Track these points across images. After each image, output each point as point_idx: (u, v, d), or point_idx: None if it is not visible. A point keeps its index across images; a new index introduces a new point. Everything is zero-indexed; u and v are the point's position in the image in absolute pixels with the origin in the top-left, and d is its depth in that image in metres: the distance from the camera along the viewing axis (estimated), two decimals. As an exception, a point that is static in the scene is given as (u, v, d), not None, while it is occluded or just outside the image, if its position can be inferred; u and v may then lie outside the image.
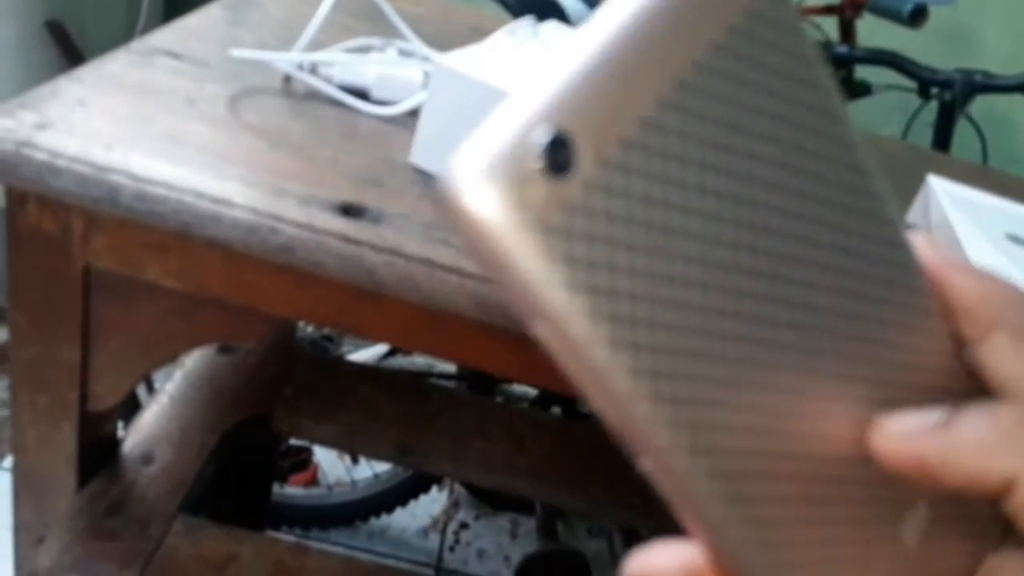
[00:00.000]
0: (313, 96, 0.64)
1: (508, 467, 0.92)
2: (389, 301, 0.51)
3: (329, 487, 1.51)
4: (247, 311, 0.56)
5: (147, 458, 0.73)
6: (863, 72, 1.40)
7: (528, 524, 1.58)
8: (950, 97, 1.28)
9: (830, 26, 1.52)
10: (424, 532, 1.56)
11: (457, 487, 1.61)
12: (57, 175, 0.48)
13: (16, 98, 0.52)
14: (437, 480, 1.50)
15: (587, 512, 1.38)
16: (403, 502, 1.45)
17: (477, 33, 0.69)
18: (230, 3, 0.76)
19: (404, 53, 0.71)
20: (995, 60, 1.55)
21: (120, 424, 0.77)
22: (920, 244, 0.22)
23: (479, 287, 0.49)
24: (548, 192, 0.15)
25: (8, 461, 1.41)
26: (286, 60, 0.64)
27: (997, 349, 0.21)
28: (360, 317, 0.55)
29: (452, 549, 1.54)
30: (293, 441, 1.47)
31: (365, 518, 1.48)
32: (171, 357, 0.63)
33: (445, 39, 0.74)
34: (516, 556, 1.51)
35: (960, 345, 0.22)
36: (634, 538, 1.30)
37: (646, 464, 0.17)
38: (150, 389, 1.28)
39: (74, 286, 0.56)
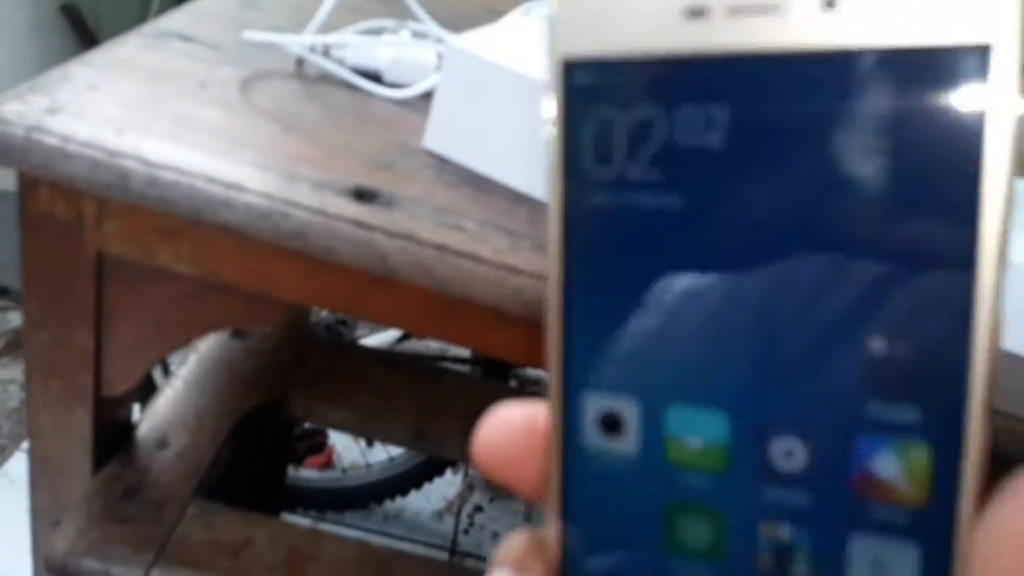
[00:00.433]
0: (326, 79, 0.64)
1: (522, 452, 0.92)
2: (402, 286, 0.50)
3: (344, 470, 1.51)
4: (260, 296, 0.56)
5: (162, 442, 0.73)
6: None
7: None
8: None
9: None
10: (439, 515, 1.57)
11: (471, 470, 1.61)
12: (68, 160, 0.48)
13: (27, 82, 0.51)
14: (451, 463, 1.50)
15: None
16: (417, 485, 1.45)
17: (492, 14, 0.68)
18: (242, -15, 0.75)
19: (418, 35, 0.70)
20: None
21: (138, 407, 0.78)
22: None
23: (492, 272, 0.49)
24: None
25: (25, 444, 1.43)
26: (299, 43, 0.63)
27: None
28: (373, 302, 0.55)
29: (467, 532, 1.55)
30: (308, 424, 1.47)
31: (380, 501, 1.48)
32: (184, 342, 0.63)
33: (459, 20, 0.73)
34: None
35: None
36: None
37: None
38: (166, 372, 1.29)
39: (87, 271, 0.55)
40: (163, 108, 0.54)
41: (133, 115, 0.52)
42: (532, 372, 1.52)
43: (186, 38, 0.63)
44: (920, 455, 0.17)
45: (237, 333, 0.90)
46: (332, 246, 0.49)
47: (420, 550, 1.46)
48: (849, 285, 0.17)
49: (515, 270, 0.49)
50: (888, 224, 0.17)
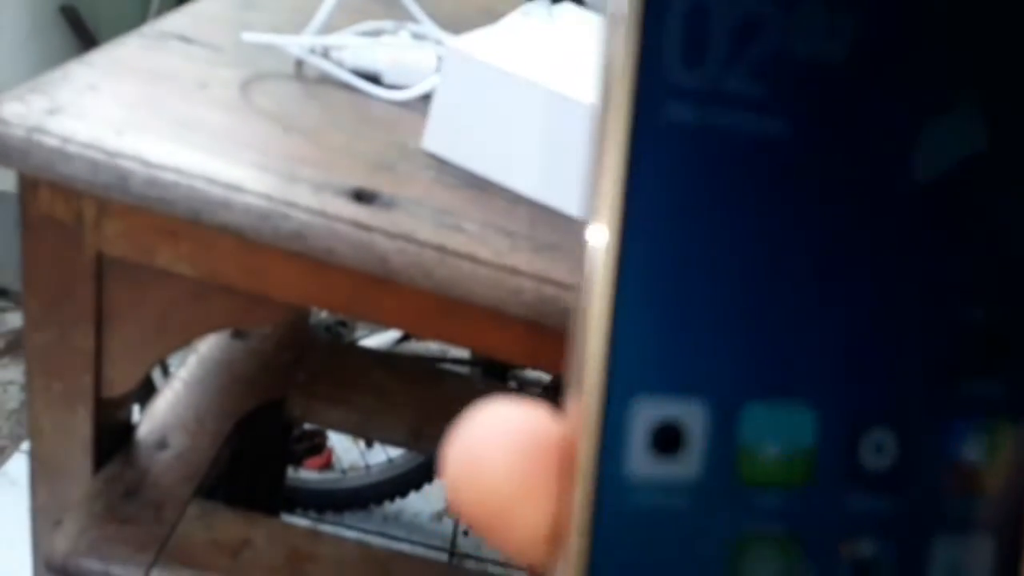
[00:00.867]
0: (325, 80, 0.64)
1: (522, 453, 0.92)
2: (401, 287, 0.50)
3: (343, 471, 1.51)
4: (259, 297, 0.56)
5: (162, 443, 0.73)
6: None
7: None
8: None
9: None
10: (438, 516, 1.56)
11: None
12: (68, 161, 0.48)
13: (27, 83, 0.52)
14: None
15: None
16: (417, 486, 1.45)
17: (491, 15, 0.68)
18: (242, -13, 0.75)
19: (417, 36, 0.70)
20: None
21: (137, 408, 0.78)
22: None
23: (491, 273, 0.49)
24: None
25: (26, 445, 1.43)
26: (298, 44, 0.63)
27: None
28: (372, 303, 0.55)
29: (466, 533, 1.55)
30: (308, 425, 1.47)
31: (379, 502, 1.48)
32: (184, 343, 0.63)
33: (459, 21, 0.73)
34: None
35: None
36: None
37: None
38: (166, 373, 1.29)
39: (87, 272, 0.56)
40: (163, 109, 0.54)
41: (133, 116, 0.52)
42: (532, 374, 1.52)
43: (186, 39, 0.63)
44: (1006, 434, 0.14)
45: (237, 334, 0.90)
46: (332, 247, 0.49)
47: (419, 551, 1.46)
48: (943, 250, 0.14)
49: (514, 271, 0.49)
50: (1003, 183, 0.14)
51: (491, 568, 1.45)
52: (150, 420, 0.76)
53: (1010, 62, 0.14)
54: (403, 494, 1.46)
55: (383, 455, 1.48)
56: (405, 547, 1.48)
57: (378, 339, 1.53)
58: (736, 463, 0.14)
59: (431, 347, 1.52)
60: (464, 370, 1.49)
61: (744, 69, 0.14)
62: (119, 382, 0.61)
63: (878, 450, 0.14)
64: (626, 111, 0.13)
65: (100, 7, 1.67)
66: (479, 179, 0.56)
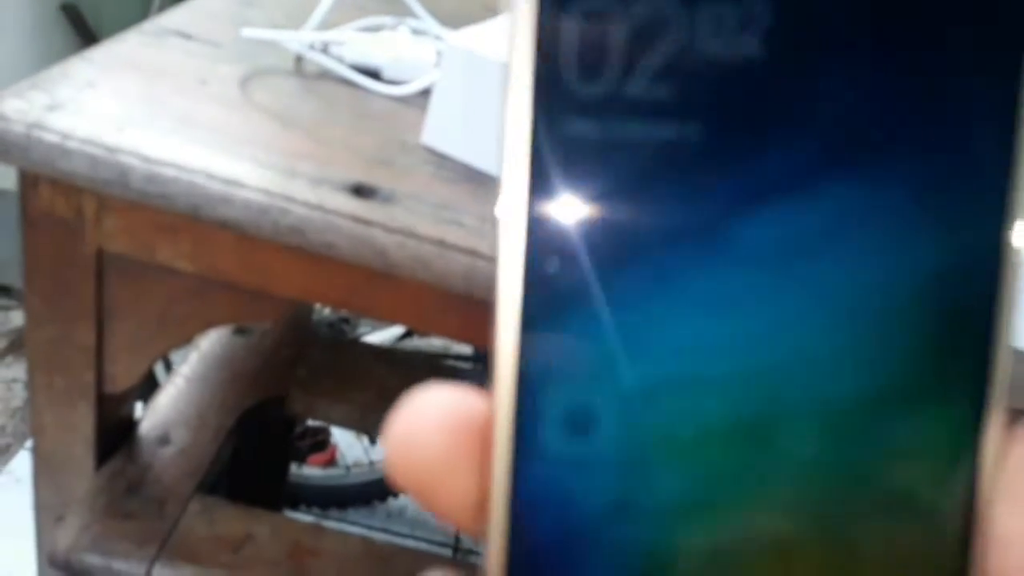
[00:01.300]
0: (325, 76, 0.64)
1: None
2: (401, 282, 0.50)
3: (347, 467, 1.52)
4: (260, 292, 0.56)
5: (164, 439, 0.73)
6: None
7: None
8: None
9: None
10: (441, 512, 1.57)
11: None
12: (68, 157, 0.48)
13: (27, 79, 0.52)
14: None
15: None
16: (420, 483, 1.45)
17: (490, 11, 0.68)
18: (242, -17, 0.76)
19: (417, 32, 0.70)
20: None
21: (140, 404, 0.78)
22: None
23: (491, 267, 0.49)
24: None
25: (30, 443, 1.43)
26: (298, 40, 0.63)
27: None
28: (372, 298, 0.55)
29: (469, 529, 1.55)
30: (311, 422, 1.47)
31: (383, 498, 1.49)
32: (185, 339, 0.63)
33: (458, 17, 0.73)
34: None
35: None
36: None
37: None
38: (168, 369, 1.29)
39: (88, 268, 0.56)
40: (163, 105, 0.54)
41: (133, 112, 0.52)
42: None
43: (185, 35, 0.63)
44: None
45: (239, 330, 0.90)
46: (331, 242, 0.49)
47: (423, 547, 1.46)
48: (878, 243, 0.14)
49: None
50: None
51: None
52: (152, 416, 0.76)
53: (923, 53, 0.14)
54: (406, 490, 1.46)
55: (386, 451, 1.48)
56: (409, 543, 1.48)
57: (380, 336, 1.53)
58: (648, 443, 0.14)
59: (433, 343, 1.52)
60: (467, 366, 1.49)
61: (644, 74, 0.14)
62: (121, 378, 0.61)
63: (799, 439, 0.14)
64: (524, 125, 0.14)
65: (101, 5, 1.67)
66: (478, 173, 0.56)
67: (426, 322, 0.58)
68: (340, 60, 0.64)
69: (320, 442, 1.54)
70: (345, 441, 1.56)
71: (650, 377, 0.14)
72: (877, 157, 0.14)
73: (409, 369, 0.99)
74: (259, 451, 0.96)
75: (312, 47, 0.64)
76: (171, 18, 0.65)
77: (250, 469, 0.90)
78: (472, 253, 0.49)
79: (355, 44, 0.65)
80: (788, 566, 0.15)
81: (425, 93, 0.62)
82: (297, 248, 0.50)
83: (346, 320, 1.48)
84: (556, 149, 0.14)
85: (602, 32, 0.14)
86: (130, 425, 0.72)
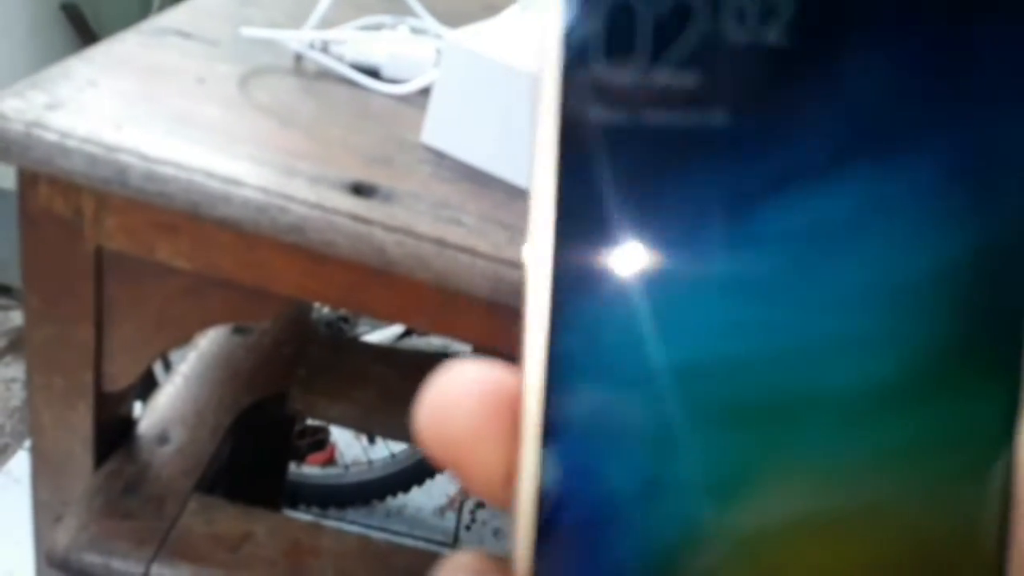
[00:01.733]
0: (324, 75, 0.64)
1: (523, 447, 0.92)
2: (400, 280, 0.50)
3: (346, 467, 1.52)
4: (259, 291, 0.56)
5: (163, 438, 0.73)
6: None
7: (544, 504, 1.58)
8: None
9: None
10: (440, 511, 1.57)
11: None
12: (67, 155, 0.48)
13: (26, 79, 0.52)
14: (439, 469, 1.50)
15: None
16: (419, 481, 1.45)
17: (489, 10, 0.68)
18: (241, -18, 0.75)
19: (416, 31, 0.70)
20: None
21: (140, 404, 0.78)
22: None
23: (491, 266, 0.49)
24: None
25: (29, 443, 1.43)
26: (297, 39, 0.63)
27: None
28: (372, 297, 0.55)
29: (468, 528, 1.55)
30: (310, 421, 1.47)
31: (382, 497, 1.49)
32: (184, 337, 0.63)
33: (458, 16, 0.73)
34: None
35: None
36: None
37: None
38: (167, 368, 1.29)
39: (86, 267, 0.56)
40: (162, 104, 0.54)
41: (132, 111, 0.52)
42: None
43: (184, 34, 0.63)
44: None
45: (238, 329, 0.90)
46: (330, 240, 0.49)
47: (422, 546, 1.46)
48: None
49: (514, 264, 0.49)
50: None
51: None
52: (151, 415, 0.76)
53: (949, 46, 0.14)
54: (405, 489, 1.46)
55: (385, 450, 1.48)
56: (408, 542, 1.48)
57: (379, 335, 1.53)
58: (680, 421, 0.14)
59: (433, 343, 1.52)
60: (466, 366, 1.49)
61: (674, 60, 0.14)
62: (119, 377, 0.61)
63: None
64: (554, 113, 0.14)
65: (101, 5, 1.67)
66: (478, 172, 0.56)
67: (425, 321, 0.58)
68: (339, 59, 0.64)
69: (319, 441, 1.54)
70: (344, 440, 1.56)
71: (683, 354, 0.14)
72: (910, 140, 0.14)
73: (408, 368, 0.99)
74: (258, 450, 0.96)
75: (311, 46, 0.64)
76: (170, 17, 0.65)
77: (249, 468, 0.90)
78: (471, 252, 0.49)
79: (354, 43, 0.65)
80: (821, 548, 0.15)
81: (424, 92, 0.62)
82: (296, 247, 0.50)
83: (345, 319, 1.48)
84: (587, 134, 0.14)
85: (629, 24, 0.14)
86: (129, 424, 0.72)
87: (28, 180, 0.53)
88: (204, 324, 0.63)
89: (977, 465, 0.14)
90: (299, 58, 0.65)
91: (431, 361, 1.28)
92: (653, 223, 0.14)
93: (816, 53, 0.14)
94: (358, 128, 0.58)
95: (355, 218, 0.49)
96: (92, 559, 0.63)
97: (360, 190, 0.51)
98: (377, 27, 0.70)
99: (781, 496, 0.14)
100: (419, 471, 1.44)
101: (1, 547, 1.11)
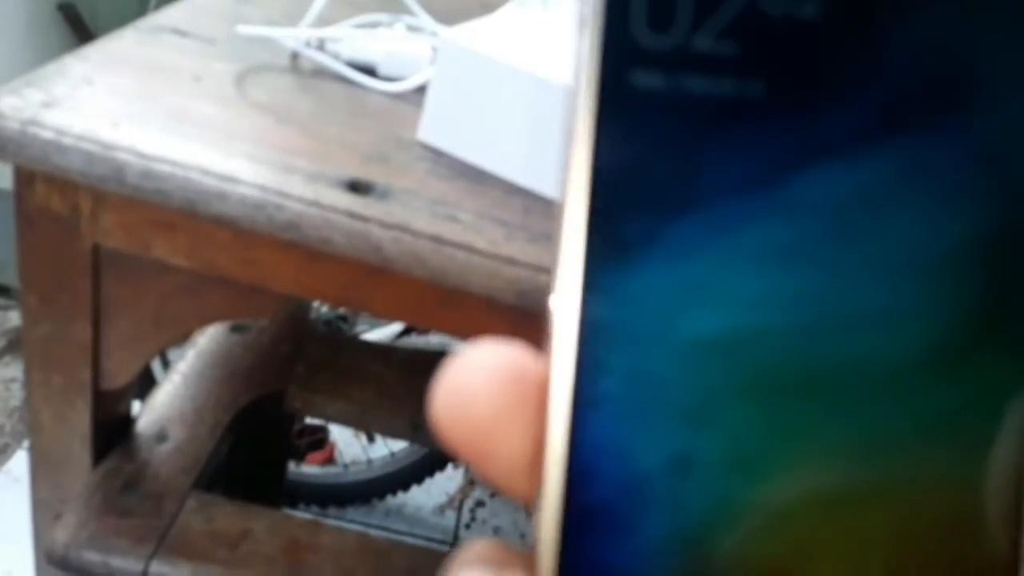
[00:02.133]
0: (320, 73, 0.64)
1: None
2: (397, 278, 0.51)
3: (345, 466, 1.52)
4: (256, 289, 0.56)
5: (161, 436, 0.73)
6: None
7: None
8: None
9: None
10: (440, 510, 1.57)
11: (473, 465, 1.61)
12: (63, 153, 0.48)
13: (22, 77, 0.52)
14: (453, 458, 1.50)
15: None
16: (419, 480, 1.45)
17: (486, 7, 0.68)
18: (237, -20, 0.76)
19: (412, 28, 0.70)
20: None
21: (138, 403, 0.78)
22: None
23: (488, 263, 0.49)
24: None
25: (27, 442, 1.43)
26: (293, 37, 0.63)
27: None
28: (369, 294, 0.55)
29: (468, 527, 1.55)
30: (309, 420, 1.47)
31: (381, 496, 1.49)
32: (181, 335, 0.63)
33: (454, 14, 0.73)
34: (532, 534, 1.51)
35: None
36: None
37: None
38: (165, 367, 1.29)
39: (84, 265, 0.56)
40: (158, 102, 0.54)
41: (128, 108, 0.52)
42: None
43: (181, 32, 0.63)
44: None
45: (236, 327, 0.90)
46: (327, 237, 0.49)
47: (422, 544, 1.46)
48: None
49: (510, 261, 0.49)
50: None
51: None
52: (149, 413, 0.76)
53: (988, 21, 0.14)
54: (405, 488, 1.46)
55: (385, 449, 1.48)
56: (407, 541, 1.48)
57: (378, 334, 1.53)
58: (707, 398, 0.14)
59: (431, 341, 1.52)
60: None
61: (714, 29, 0.14)
62: (117, 375, 0.61)
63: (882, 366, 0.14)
64: (595, 80, 0.14)
65: (98, 4, 1.67)
66: (474, 169, 0.56)
67: (423, 318, 0.58)
68: (336, 57, 0.64)
69: (318, 440, 1.54)
70: (343, 439, 1.56)
71: (710, 330, 0.14)
72: (942, 115, 0.14)
73: (407, 367, 0.99)
74: (257, 448, 0.96)
75: (308, 44, 0.64)
76: (166, 16, 0.65)
77: (248, 466, 0.90)
78: (468, 248, 0.49)
79: (351, 41, 0.65)
80: (848, 523, 0.14)
81: (421, 90, 0.62)
82: (293, 244, 0.50)
83: (344, 318, 1.48)
84: (621, 102, 0.14)
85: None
86: (127, 422, 0.73)
87: (25, 178, 0.53)
88: (202, 322, 0.63)
89: (999, 440, 0.14)
90: (295, 56, 0.65)
91: (430, 359, 1.28)
92: (687, 194, 0.14)
93: (855, 26, 0.14)
94: (355, 126, 0.58)
95: (352, 215, 0.49)
96: (91, 557, 0.63)
97: (357, 187, 0.51)
98: (373, 25, 0.70)
99: (814, 470, 0.14)
100: (419, 470, 1.44)
101: (0, 546, 1.11)
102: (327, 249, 0.49)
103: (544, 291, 0.14)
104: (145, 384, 0.98)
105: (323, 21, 0.65)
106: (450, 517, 1.56)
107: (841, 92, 0.14)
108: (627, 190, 0.14)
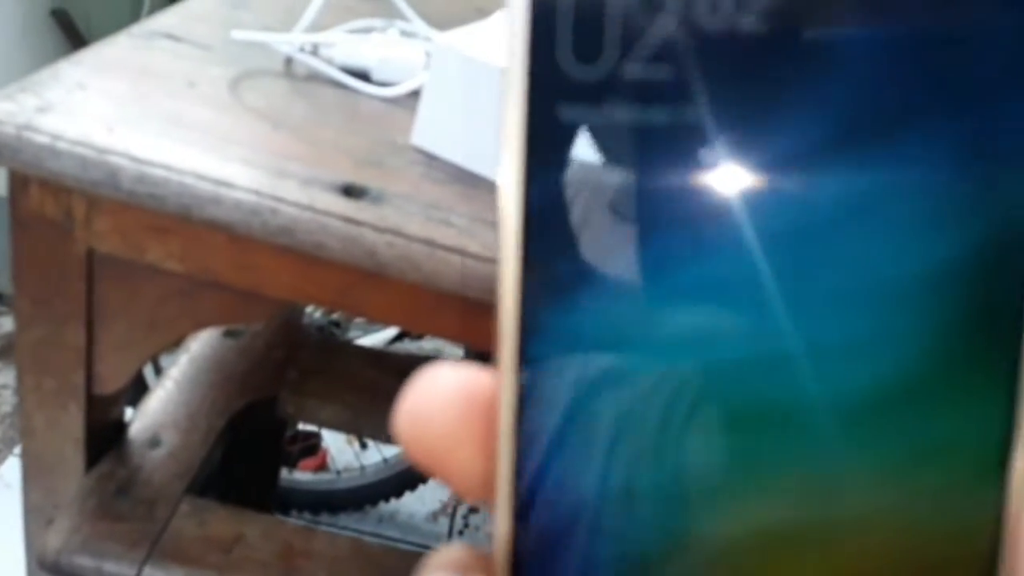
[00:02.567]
0: (314, 78, 0.64)
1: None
2: (391, 282, 0.51)
3: (338, 472, 1.51)
4: (250, 293, 0.56)
5: (154, 441, 0.73)
6: None
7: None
8: None
9: None
10: (433, 517, 1.57)
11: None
12: (58, 158, 0.48)
13: (16, 82, 0.52)
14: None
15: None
16: (412, 487, 1.45)
17: (479, 13, 0.69)
18: (231, -14, 0.76)
19: (406, 34, 0.71)
20: None
21: (130, 410, 0.78)
22: None
23: (481, 267, 0.49)
24: None
25: (19, 448, 1.43)
26: (287, 42, 0.63)
27: None
28: (363, 298, 0.55)
29: (461, 533, 1.55)
30: (302, 427, 1.47)
31: (374, 503, 1.48)
32: (175, 340, 0.63)
33: (447, 19, 0.73)
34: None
35: None
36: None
37: None
38: (158, 372, 1.29)
39: (77, 269, 0.56)
40: (152, 107, 0.54)
41: (122, 113, 0.52)
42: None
43: (175, 38, 0.63)
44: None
45: (229, 332, 0.90)
46: (321, 242, 0.49)
47: (413, 549, 1.46)
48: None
49: (503, 264, 0.50)
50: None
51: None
52: (142, 418, 0.76)
53: (919, 27, 0.13)
54: (398, 494, 1.46)
55: (378, 456, 1.48)
56: (401, 547, 1.48)
57: (371, 339, 1.53)
58: (654, 428, 0.14)
59: (424, 346, 1.52)
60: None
61: (643, 54, 0.13)
62: (110, 379, 0.61)
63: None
64: (521, 111, 0.14)
65: (91, 10, 1.67)
66: (467, 174, 0.56)
67: (416, 322, 0.58)
68: (330, 62, 0.65)
69: (311, 447, 1.54)
70: (336, 446, 1.56)
71: (651, 364, 0.14)
72: (895, 138, 0.13)
73: (400, 372, 0.99)
74: (250, 453, 0.96)
75: (302, 49, 0.64)
76: (160, 21, 0.66)
77: (241, 471, 0.90)
78: (462, 252, 0.49)
79: (344, 46, 0.65)
80: (805, 556, 0.14)
81: (414, 94, 0.62)
82: (287, 248, 0.50)
83: (336, 323, 1.48)
84: (554, 130, 0.14)
85: (598, 15, 0.13)
86: (120, 427, 0.72)
87: (19, 183, 0.53)
88: (195, 326, 0.63)
89: (970, 474, 0.14)
90: (289, 61, 0.65)
91: (422, 365, 1.28)
92: (626, 221, 0.14)
93: (788, 42, 0.13)
94: (349, 130, 0.58)
95: (346, 219, 0.49)
96: (84, 562, 0.63)
97: (351, 192, 0.51)
98: (367, 30, 0.70)
99: (757, 504, 0.14)
100: (412, 476, 1.44)
101: (-8, 553, 1.11)
102: (321, 253, 0.49)
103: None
104: (137, 391, 0.98)
105: (317, 26, 0.66)
106: (443, 524, 1.56)
107: (781, 114, 0.13)
108: (560, 229, 0.14)
